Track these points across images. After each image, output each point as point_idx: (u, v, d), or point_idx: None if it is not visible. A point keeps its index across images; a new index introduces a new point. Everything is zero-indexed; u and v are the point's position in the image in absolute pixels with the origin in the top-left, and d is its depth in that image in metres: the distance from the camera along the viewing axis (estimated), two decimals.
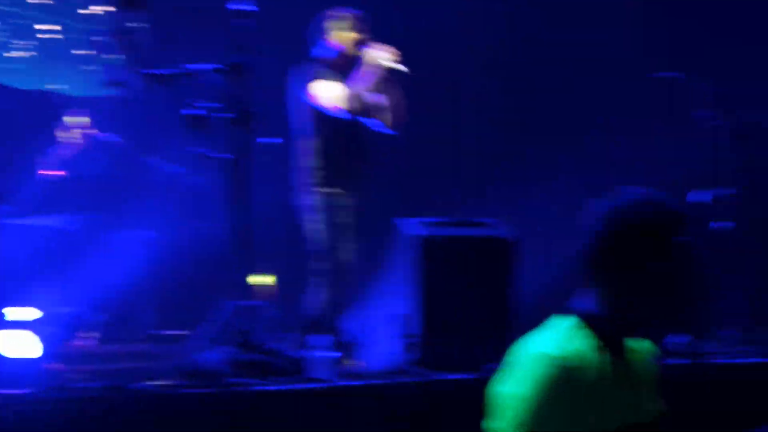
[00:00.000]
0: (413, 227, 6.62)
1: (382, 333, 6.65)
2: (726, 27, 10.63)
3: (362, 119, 7.46)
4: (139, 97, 8.52)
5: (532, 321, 3.24)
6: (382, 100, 7.46)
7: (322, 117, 7.31)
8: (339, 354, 6.89)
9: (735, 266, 8.04)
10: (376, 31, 7.56)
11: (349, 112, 7.26)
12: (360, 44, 7.41)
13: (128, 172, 8.78)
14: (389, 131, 7.58)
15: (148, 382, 5.69)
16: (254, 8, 6.38)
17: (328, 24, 7.47)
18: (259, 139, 6.88)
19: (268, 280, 8.70)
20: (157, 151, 8.95)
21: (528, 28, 10.89)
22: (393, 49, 7.35)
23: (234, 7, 6.38)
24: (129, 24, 7.43)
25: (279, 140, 7.92)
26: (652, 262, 3.00)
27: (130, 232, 8.39)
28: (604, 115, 10.77)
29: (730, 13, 10.68)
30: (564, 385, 2.93)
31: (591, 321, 3.08)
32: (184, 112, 6.29)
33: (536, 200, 9.51)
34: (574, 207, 3.23)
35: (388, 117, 7.52)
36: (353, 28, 7.45)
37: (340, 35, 7.46)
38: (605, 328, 3.08)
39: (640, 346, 3.26)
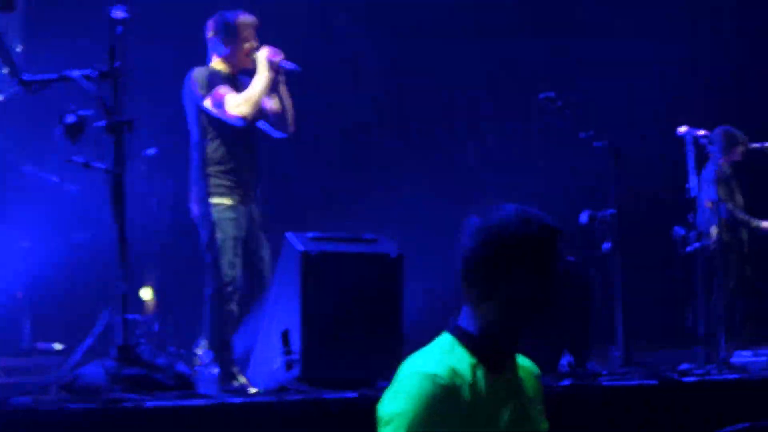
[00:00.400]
0: (301, 242, 6.51)
1: (268, 350, 6.51)
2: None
3: (256, 124, 7.35)
4: (13, 102, 8.29)
5: (422, 338, 3.23)
6: (275, 103, 7.35)
7: (216, 124, 7.17)
8: (226, 370, 6.79)
9: (614, 286, 8.08)
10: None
11: (243, 117, 7.13)
12: (253, 48, 7.30)
13: (2, 180, 8.54)
14: (281, 134, 7.48)
15: (26, 397, 5.48)
16: (126, 15, 6.21)
17: (221, 28, 7.33)
18: (145, 152, 6.71)
19: (147, 293, 8.54)
20: (33, 159, 8.73)
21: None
22: (280, 51, 7.27)
23: (111, 14, 6.21)
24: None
25: (154, 150, 7.76)
26: (522, 277, 3.00)
27: (4, 242, 8.15)
28: (484, 132, 10.91)
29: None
30: (443, 402, 2.91)
31: (467, 338, 3.08)
32: (62, 119, 6.10)
33: (424, 214, 9.55)
34: (458, 223, 3.20)
35: (281, 120, 7.41)
36: (248, 32, 7.33)
37: (234, 39, 7.32)
38: (481, 345, 3.07)
39: (525, 365, 3.24)
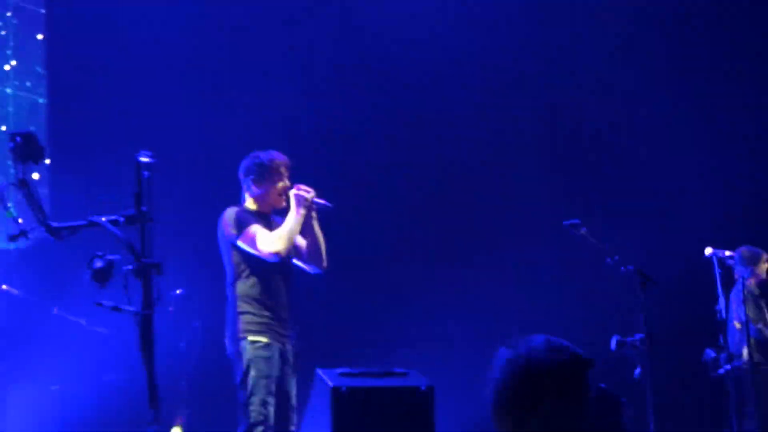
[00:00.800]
0: (331, 378, 6.50)
1: None
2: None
3: (290, 261, 7.38)
4: (43, 248, 8.37)
5: None
6: (309, 240, 7.40)
7: (252, 261, 7.20)
8: None
9: (647, 412, 8.00)
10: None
11: (277, 254, 7.17)
12: (286, 188, 7.37)
13: (32, 324, 8.57)
14: (316, 270, 7.50)
15: None
16: (152, 160, 6.27)
17: (254, 169, 7.41)
18: (173, 293, 6.74)
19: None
20: (61, 302, 8.77)
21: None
22: (311, 189, 7.34)
23: (138, 158, 6.28)
24: (28, 175, 7.31)
25: (182, 291, 7.79)
26: (554, 409, 2.97)
27: (34, 386, 8.15)
28: (516, 264, 10.97)
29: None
30: None
31: None
32: (90, 264, 6.13)
33: (455, 343, 9.54)
34: (489, 354, 3.20)
35: (315, 256, 7.45)
36: (281, 172, 7.41)
37: (267, 180, 7.40)
38: None
39: None
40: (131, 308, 6.12)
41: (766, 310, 10.19)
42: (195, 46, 10.72)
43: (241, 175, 7.47)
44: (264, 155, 7.45)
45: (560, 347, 3.03)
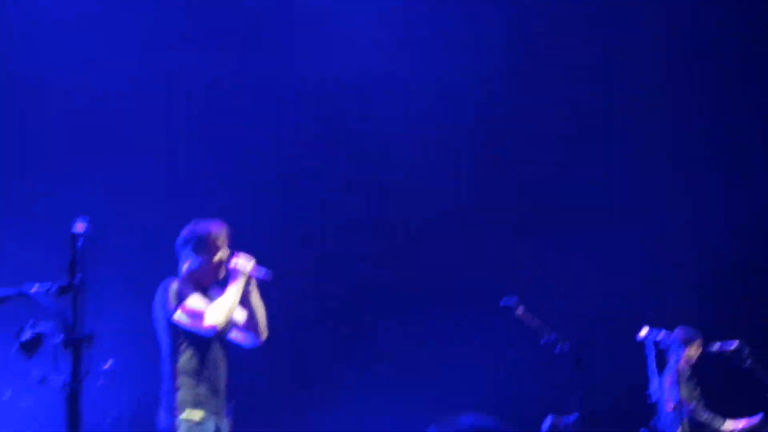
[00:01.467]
0: None
1: None
2: None
3: (227, 336, 7.25)
4: None
5: None
6: (248, 312, 7.29)
7: (189, 335, 7.06)
8: None
9: None
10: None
11: (216, 328, 7.03)
12: (225, 258, 7.26)
13: None
14: (253, 343, 7.37)
15: None
16: (87, 230, 6.16)
17: (193, 239, 7.29)
18: (101, 366, 6.57)
19: None
20: None
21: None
22: (252, 258, 7.24)
23: (73, 227, 6.16)
24: None
25: (111, 363, 7.62)
26: None
27: None
28: (452, 336, 10.94)
29: None
30: None
31: None
32: (18, 335, 5.98)
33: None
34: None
35: (252, 329, 7.33)
36: (220, 242, 7.29)
37: (206, 251, 7.28)
38: None
39: None
40: (59, 380, 5.99)
41: (698, 391, 10.22)
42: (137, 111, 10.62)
43: (178, 245, 7.36)
44: (202, 225, 7.34)
45: (485, 429, 3.00)
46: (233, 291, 7.14)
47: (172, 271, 7.31)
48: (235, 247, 7.31)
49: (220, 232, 7.33)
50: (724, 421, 9.97)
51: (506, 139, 12.09)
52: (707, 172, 12.52)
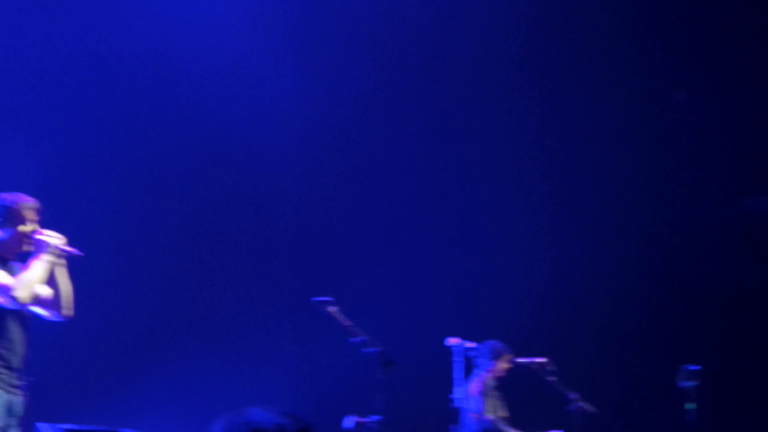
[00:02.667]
0: None
1: None
2: None
3: (30, 309, 7.08)
4: None
5: None
6: (55, 289, 7.13)
7: None
8: None
9: None
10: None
11: (17, 301, 6.87)
12: (32, 232, 7.09)
13: None
14: (57, 318, 7.21)
15: None
16: None
17: (2, 210, 7.10)
18: None
19: None
20: None
21: None
22: (61, 235, 7.09)
23: None
24: None
25: None
26: None
27: None
28: (254, 337, 10.95)
29: None
30: None
31: None
32: None
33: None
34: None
35: (57, 304, 7.16)
36: (28, 215, 7.12)
37: (12, 224, 7.10)
38: None
39: None
40: None
41: (500, 404, 10.39)
42: None
43: None
44: (9, 197, 7.16)
45: (283, 413, 3.00)
46: (40, 266, 6.99)
47: None
48: (44, 224, 7.18)
49: (28, 204, 7.17)
50: None
51: (343, 143, 12.15)
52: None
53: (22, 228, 7.09)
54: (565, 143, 12.82)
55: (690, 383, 10.11)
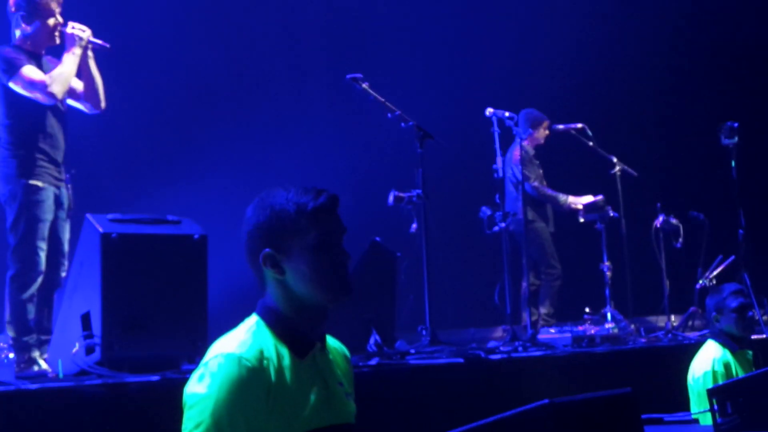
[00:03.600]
0: (101, 223, 6.29)
1: (69, 333, 6.27)
2: None
3: (65, 103, 7.08)
4: None
5: (231, 320, 3.15)
6: (86, 81, 7.11)
7: (25, 103, 6.86)
8: (26, 355, 6.57)
9: (421, 266, 8.08)
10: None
11: (54, 96, 6.86)
12: (59, 25, 7.03)
13: None
14: (93, 111, 7.22)
15: None
16: None
17: (24, 5, 7.01)
18: None
19: None
20: None
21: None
22: (87, 27, 7.04)
23: None
24: None
25: None
26: (300, 251, 2.93)
27: None
28: (291, 118, 10.90)
29: None
30: (249, 385, 2.84)
31: (272, 319, 3.01)
32: None
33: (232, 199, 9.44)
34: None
35: (92, 97, 7.16)
36: (51, 8, 7.03)
37: (38, 16, 7.02)
38: (285, 325, 3.00)
39: (334, 345, 3.18)
40: None
41: (540, 170, 10.40)
42: None
43: (8, 10, 7.11)
44: None
45: (306, 189, 2.98)
46: (71, 60, 6.97)
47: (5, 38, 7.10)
48: (69, 16, 7.10)
49: None
50: (567, 197, 10.16)
51: None
52: None
53: (48, 21, 7.03)
54: None
55: (731, 140, 10.12)
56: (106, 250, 6.15)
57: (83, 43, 7.02)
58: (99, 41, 7.10)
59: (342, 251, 3.01)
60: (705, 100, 12.57)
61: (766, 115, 12.23)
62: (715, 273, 9.80)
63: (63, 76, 6.91)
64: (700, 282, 9.83)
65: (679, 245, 10.06)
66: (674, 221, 10.06)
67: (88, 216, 6.40)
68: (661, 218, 10.02)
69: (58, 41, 7.09)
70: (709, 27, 12.82)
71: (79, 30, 7.03)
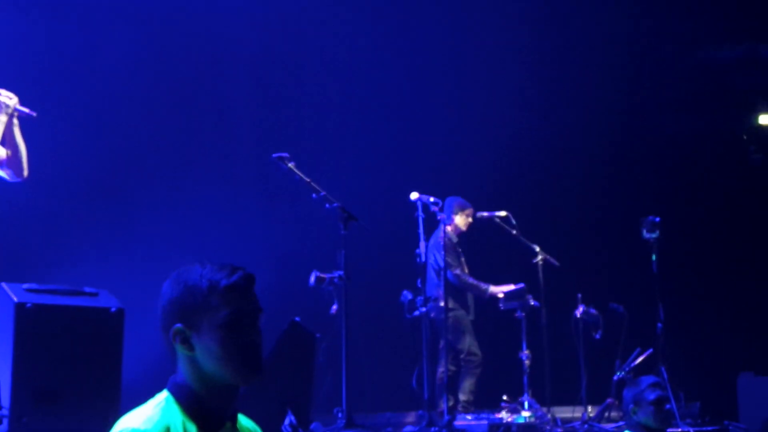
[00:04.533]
0: (16, 292, 6.20)
1: None
2: None
3: None
4: None
5: (143, 396, 3.09)
6: (9, 148, 7.03)
7: None
8: None
9: (340, 348, 8.04)
10: None
11: None
12: None
13: None
14: (14, 179, 7.13)
15: None
16: None
17: None
18: None
19: None
20: None
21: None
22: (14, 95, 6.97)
23: None
24: None
25: None
26: (211, 329, 2.91)
27: None
28: (216, 197, 10.88)
29: None
30: None
31: (181, 395, 2.96)
32: None
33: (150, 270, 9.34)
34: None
35: (14, 165, 7.07)
36: None
37: None
38: (194, 402, 2.95)
39: (246, 425, 3.13)
40: None
41: (462, 258, 10.44)
42: None
43: None
44: None
45: (220, 267, 2.96)
46: None
47: None
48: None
49: None
50: (488, 287, 10.21)
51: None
52: None
53: None
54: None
55: (652, 234, 10.24)
56: (19, 320, 6.08)
57: (9, 111, 6.97)
58: (26, 109, 7.03)
59: (254, 331, 2.97)
60: (628, 193, 12.73)
61: (687, 211, 12.41)
62: (633, 365, 9.84)
63: None
64: (618, 374, 9.85)
65: (598, 336, 10.10)
66: (594, 312, 10.12)
67: (3, 285, 6.32)
68: (581, 309, 10.07)
69: None
70: (633, 119, 13.04)
71: (5, 97, 6.97)
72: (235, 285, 2.95)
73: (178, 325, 2.93)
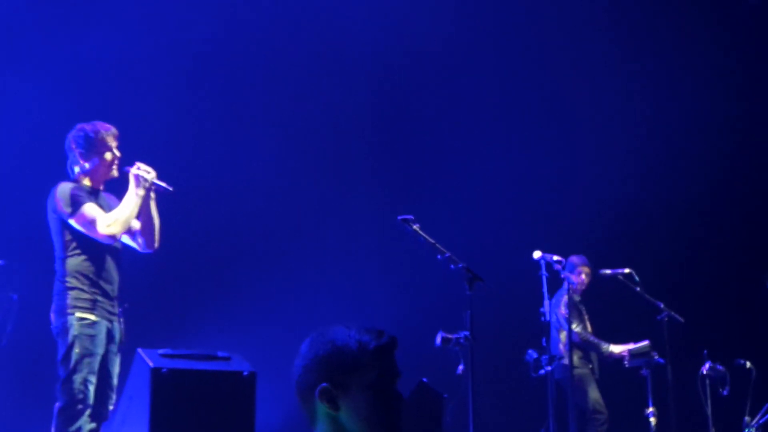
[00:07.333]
0: (152, 358, 6.37)
1: None
2: None
3: (120, 240, 7.22)
4: None
5: None
6: (144, 221, 7.25)
7: (82, 239, 7.01)
8: None
9: (468, 408, 8.05)
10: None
11: (113, 237, 7.01)
12: (116, 159, 7.21)
13: None
14: (146, 250, 7.35)
15: None
16: None
17: (81, 142, 7.20)
18: None
19: None
20: None
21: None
22: (152, 169, 7.20)
23: None
24: None
25: (1, 261, 7.58)
26: (358, 393, 2.94)
27: None
28: (343, 257, 10.98)
29: None
30: None
31: None
32: None
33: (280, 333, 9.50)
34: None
35: (147, 237, 7.30)
36: (107, 144, 7.21)
37: (95, 153, 7.20)
38: None
39: None
40: None
41: (586, 316, 10.41)
42: None
43: (67, 148, 7.28)
44: (89, 127, 7.26)
45: (365, 331, 3.02)
46: (133, 201, 7.11)
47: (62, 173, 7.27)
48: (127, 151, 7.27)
49: (107, 132, 7.26)
50: (609, 346, 10.17)
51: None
52: None
53: (105, 156, 7.20)
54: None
55: None
56: (156, 385, 6.22)
57: (147, 185, 7.17)
58: (163, 184, 7.22)
59: (398, 394, 3.04)
60: (753, 246, 12.55)
61: None
62: (762, 422, 9.68)
63: (123, 218, 7.05)
64: (747, 430, 9.71)
65: (725, 392, 9.96)
66: (721, 368, 9.98)
67: (139, 351, 6.48)
68: (707, 365, 9.95)
69: (116, 174, 7.26)
70: (759, 173, 12.88)
71: (144, 171, 7.17)
72: (384, 347, 3.02)
73: (325, 384, 2.99)
